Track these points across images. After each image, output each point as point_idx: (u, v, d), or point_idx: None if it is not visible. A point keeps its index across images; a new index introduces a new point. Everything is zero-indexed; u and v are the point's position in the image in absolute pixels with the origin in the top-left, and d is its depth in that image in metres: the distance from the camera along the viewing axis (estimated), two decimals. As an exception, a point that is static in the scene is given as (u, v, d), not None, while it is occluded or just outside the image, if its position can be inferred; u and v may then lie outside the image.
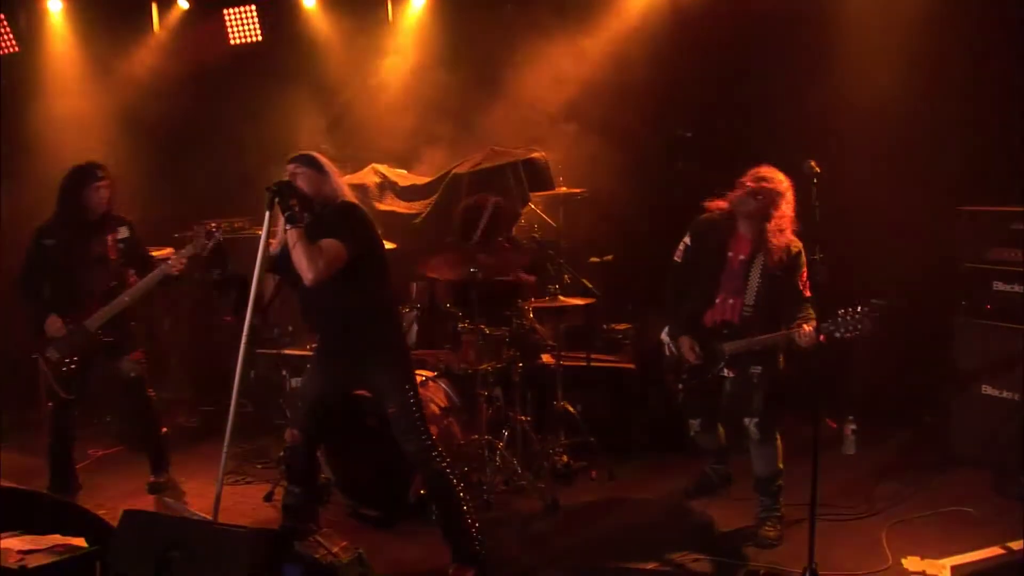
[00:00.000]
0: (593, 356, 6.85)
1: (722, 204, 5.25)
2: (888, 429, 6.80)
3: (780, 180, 5.07)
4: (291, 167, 4.67)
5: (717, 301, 5.25)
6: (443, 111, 8.18)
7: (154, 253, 7.09)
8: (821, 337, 4.69)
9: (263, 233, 4.60)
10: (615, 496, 6.00)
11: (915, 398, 6.84)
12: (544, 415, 6.51)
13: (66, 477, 6.17)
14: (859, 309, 4.64)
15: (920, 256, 6.72)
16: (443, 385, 6.07)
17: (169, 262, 5.83)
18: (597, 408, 6.75)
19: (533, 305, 6.41)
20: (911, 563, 4.72)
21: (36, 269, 6.00)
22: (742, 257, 5.20)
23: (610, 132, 7.46)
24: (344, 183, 4.85)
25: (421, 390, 5.78)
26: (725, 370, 5.23)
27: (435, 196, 7.82)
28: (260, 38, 8.69)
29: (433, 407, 5.80)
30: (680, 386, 5.42)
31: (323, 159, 4.76)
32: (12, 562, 3.78)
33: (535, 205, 7.68)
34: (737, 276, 5.21)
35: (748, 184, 5.10)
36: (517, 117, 7.85)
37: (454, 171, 7.78)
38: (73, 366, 5.94)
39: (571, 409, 6.47)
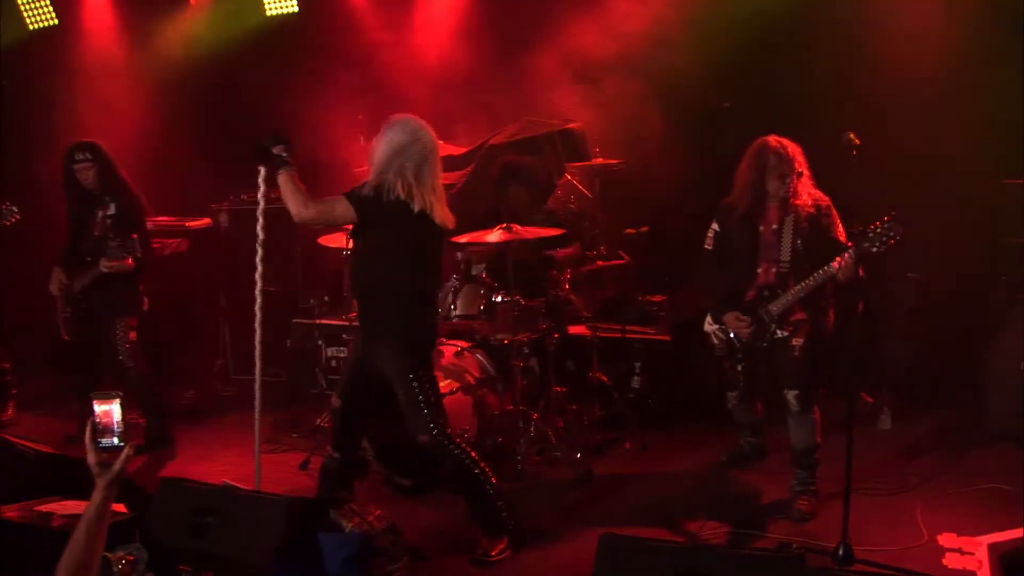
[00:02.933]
0: (628, 328, 6.83)
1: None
2: (924, 404, 6.74)
3: (793, 148, 5.14)
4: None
5: (759, 271, 5.25)
6: (478, 81, 8.14)
7: (189, 224, 7.26)
8: (860, 271, 4.67)
9: (260, 193, 4.83)
10: (648, 467, 6.02)
11: (952, 373, 6.76)
12: (579, 386, 6.52)
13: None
14: (885, 219, 4.59)
15: (961, 230, 6.64)
16: (478, 356, 6.09)
17: (102, 263, 6.20)
18: (631, 379, 6.74)
19: (569, 275, 6.40)
20: (946, 540, 4.67)
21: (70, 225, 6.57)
22: (774, 226, 5.22)
23: (647, 103, 7.39)
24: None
25: (457, 360, 5.85)
26: (778, 331, 5.20)
27: (471, 167, 7.81)
28: (296, 8, 8.68)
29: (468, 377, 5.83)
30: (740, 368, 5.40)
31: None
32: (55, 525, 3.86)
33: (571, 176, 7.66)
34: (772, 245, 5.22)
35: (795, 169, 5.11)
36: (554, 87, 7.79)
37: (490, 142, 7.76)
38: (67, 314, 6.49)
39: (605, 380, 6.46)
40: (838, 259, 4.84)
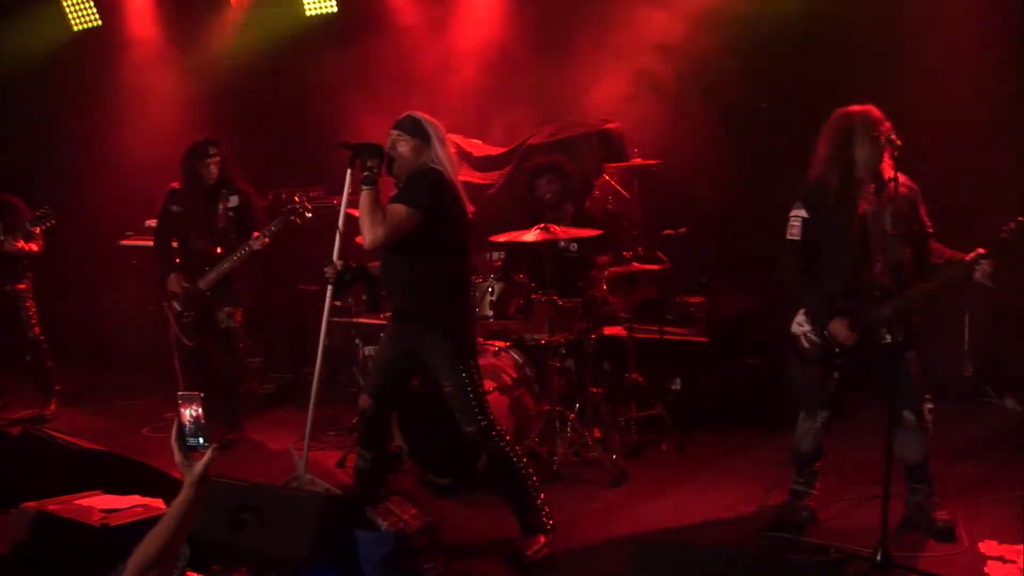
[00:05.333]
0: (666, 329, 6.81)
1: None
2: (966, 409, 6.65)
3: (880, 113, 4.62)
4: (394, 134, 4.60)
5: (868, 267, 4.60)
6: (517, 81, 8.15)
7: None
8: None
9: (344, 192, 4.66)
10: (686, 469, 5.98)
11: (995, 377, 6.67)
12: (615, 387, 6.50)
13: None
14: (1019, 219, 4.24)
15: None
16: (515, 355, 6.08)
17: (253, 240, 6.35)
18: (668, 381, 6.72)
19: (606, 276, 6.39)
20: (988, 547, 4.60)
21: (163, 229, 6.73)
22: (874, 210, 4.60)
23: (686, 103, 7.36)
24: (450, 150, 4.71)
25: (494, 360, 5.84)
26: (887, 336, 4.54)
27: (510, 167, 7.82)
28: (335, 8, 8.70)
29: (504, 378, 5.82)
30: (836, 374, 4.72)
31: (432, 126, 4.63)
32: (95, 520, 3.91)
33: (609, 176, 7.63)
34: (877, 234, 4.59)
35: (887, 133, 4.48)
36: (592, 87, 7.78)
37: (529, 142, 7.77)
38: (190, 319, 6.60)
39: (642, 381, 6.44)
40: (972, 254, 4.37)
